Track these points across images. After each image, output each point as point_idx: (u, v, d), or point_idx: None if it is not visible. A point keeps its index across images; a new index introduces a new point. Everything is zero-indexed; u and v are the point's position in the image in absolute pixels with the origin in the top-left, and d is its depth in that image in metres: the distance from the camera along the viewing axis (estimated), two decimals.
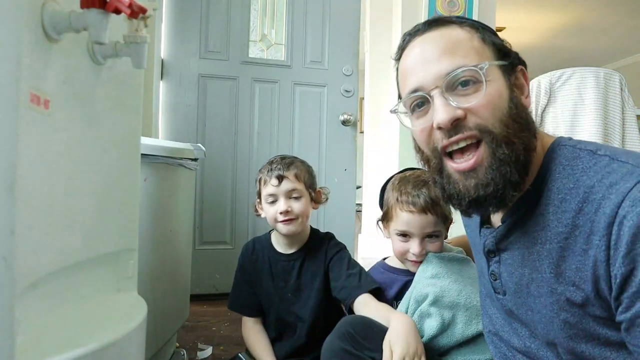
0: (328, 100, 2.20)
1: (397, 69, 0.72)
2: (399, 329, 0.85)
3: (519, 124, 0.61)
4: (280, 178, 1.12)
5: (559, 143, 0.64)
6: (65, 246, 0.59)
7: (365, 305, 1.00)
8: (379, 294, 1.07)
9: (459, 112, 0.61)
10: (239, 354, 1.19)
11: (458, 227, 0.96)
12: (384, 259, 1.15)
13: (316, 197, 1.20)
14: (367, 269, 1.15)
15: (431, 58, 0.63)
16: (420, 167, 0.75)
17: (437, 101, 0.62)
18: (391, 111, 0.72)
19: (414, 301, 0.97)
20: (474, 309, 0.91)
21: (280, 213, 1.11)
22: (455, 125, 0.61)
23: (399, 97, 0.71)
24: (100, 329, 0.60)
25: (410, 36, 0.69)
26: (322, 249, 1.19)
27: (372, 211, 2.61)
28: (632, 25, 4.48)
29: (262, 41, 2.19)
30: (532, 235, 0.63)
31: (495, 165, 0.60)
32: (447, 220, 1.01)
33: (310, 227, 1.24)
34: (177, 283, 1.31)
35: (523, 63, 0.68)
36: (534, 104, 1.93)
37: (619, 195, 0.52)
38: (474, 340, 0.92)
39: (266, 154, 2.01)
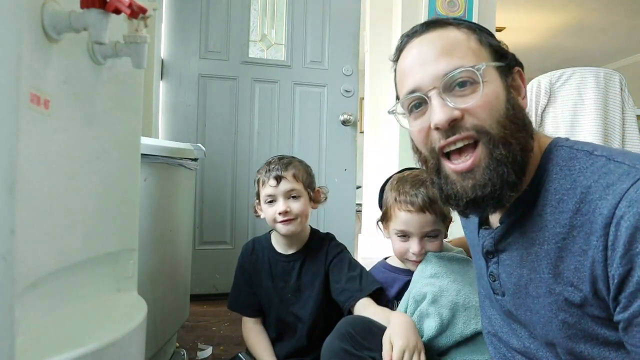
0: (328, 100, 2.20)
1: (395, 70, 0.72)
2: (399, 324, 0.85)
3: (515, 125, 0.62)
4: (278, 178, 1.12)
5: (556, 144, 0.64)
6: (65, 246, 0.59)
7: (365, 309, 1.01)
8: (379, 295, 1.07)
9: (456, 113, 0.61)
10: (239, 354, 1.19)
11: (459, 227, 0.96)
12: (385, 258, 1.15)
13: (315, 197, 1.20)
14: (367, 269, 1.15)
15: (429, 59, 0.64)
16: (419, 167, 0.75)
17: (435, 102, 0.62)
18: (389, 112, 0.73)
19: (413, 300, 0.97)
20: (473, 309, 0.91)
21: (279, 213, 1.11)
22: (453, 126, 0.61)
23: (397, 98, 0.71)
24: (100, 329, 0.60)
25: (407, 37, 0.69)
26: (322, 250, 1.19)
27: (372, 211, 2.61)
28: (632, 25, 4.48)
29: (262, 41, 2.19)
30: (530, 235, 0.63)
31: (493, 166, 0.60)
32: (446, 219, 1.01)
33: (310, 227, 1.24)
34: (177, 283, 1.31)
35: (520, 64, 0.68)
36: (534, 104, 1.93)
37: (616, 196, 0.52)
38: (473, 340, 0.92)
39: (266, 154, 2.01)
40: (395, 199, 1.00)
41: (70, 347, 0.52)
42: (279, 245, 1.21)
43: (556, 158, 0.62)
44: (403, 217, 0.99)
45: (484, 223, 0.74)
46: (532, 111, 1.93)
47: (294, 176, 1.13)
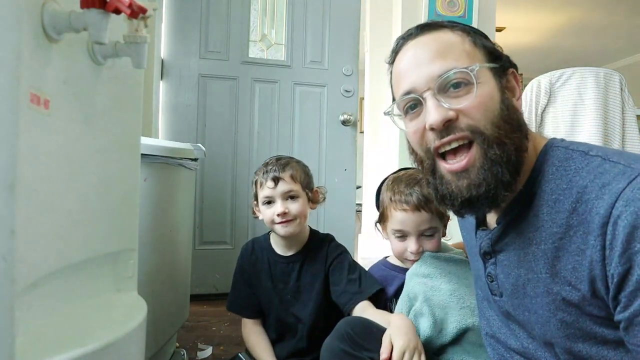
0: (328, 100, 2.20)
1: (391, 73, 0.73)
2: (399, 325, 0.85)
3: (510, 125, 0.62)
4: (276, 180, 1.11)
5: (551, 144, 0.65)
6: (65, 246, 0.59)
7: (363, 312, 1.01)
8: (379, 296, 1.07)
9: (451, 114, 0.62)
10: (239, 354, 1.19)
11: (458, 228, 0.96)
12: (386, 257, 1.16)
13: (313, 197, 1.19)
14: (367, 269, 1.15)
15: (423, 61, 0.65)
16: (416, 167, 0.76)
17: (429, 103, 0.63)
18: (385, 113, 0.74)
19: (407, 298, 0.97)
20: (468, 309, 0.91)
21: (278, 215, 1.11)
22: (447, 127, 0.62)
23: (393, 99, 0.72)
24: (100, 329, 0.60)
25: (403, 40, 0.70)
26: (322, 251, 1.19)
27: (372, 211, 2.60)
28: (632, 25, 4.48)
29: (262, 41, 2.19)
30: (527, 236, 0.64)
31: (487, 166, 0.61)
32: (443, 217, 1.02)
33: (310, 227, 1.23)
34: (177, 283, 1.31)
35: (514, 66, 0.69)
36: (534, 104, 1.93)
37: (612, 195, 0.52)
38: (469, 340, 0.92)
39: (266, 154, 2.01)
40: (391, 199, 1.01)
41: (70, 347, 0.52)
42: (278, 246, 1.21)
43: (552, 158, 0.63)
44: (399, 217, 0.99)
45: (481, 224, 0.75)
46: (532, 111, 1.93)
47: (292, 177, 1.13)
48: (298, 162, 1.19)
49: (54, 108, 0.53)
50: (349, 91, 2.22)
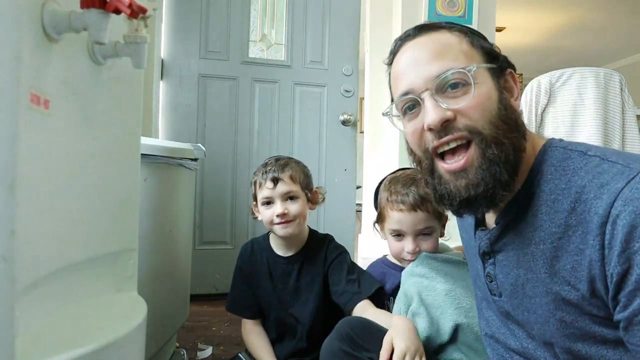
0: (328, 100, 2.20)
1: (390, 74, 0.73)
2: (401, 328, 0.85)
3: (508, 125, 0.63)
4: (275, 180, 1.11)
5: (550, 145, 0.65)
6: (65, 246, 0.59)
7: (364, 312, 1.01)
8: (379, 294, 1.07)
9: (449, 114, 0.62)
10: (239, 354, 1.19)
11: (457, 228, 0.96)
12: (385, 255, 1.16)
13: (313, 198, 1.19)
14: (367, 267, 1.15)
15: (421, 61, 0.65)
16: (414, 167, 0.76)
17: (428, 103, 0.63)
18: (383, 114, 0.74)
19: (404, 298, 0.98)
20: (462, 310, 0.91)
21: (277, 216, 1.11)
22: (445, 127, 0.62)
23: (392, 100, 0.72)
24: (100, 329, 0.60)
25: (401, 41, 0.71)
26: (321, 252, 1.18)
27: (372, 211, 2.60)
28: (632, 25, 4.48)
29: (262, 41, 2.19)
30: (526, 236, 0.64)
31: (485, 166, 0.61)
32: (441, 217, 1.02)
33: (309, 228, 1.23)
34: (177, 283, 1.31)
35: (512, 66, 0.70)
36: (534, 104, 1.93)
37: (611, 195, 0.52)
38: (465, 340, 0.92)
39: (266, 154, 2.01)
40: (388, 199, 1.02)
41: (70, 347, 0.52)
42: (277, 247, 1.21)
43: (550, 159, 0.63)
44: (396, 217, 1.00)
45: (480, 224, 0.75)
46: (532, 111, 1.93)
47: (291, 178, 1.13)
48: (297, 162, 1.19)
49: (54, 108, 0.53)
50: (349, 91, 2.22)
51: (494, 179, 0.61)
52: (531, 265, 0.63)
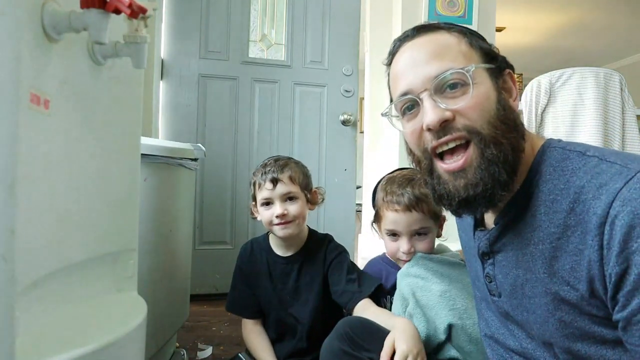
0: (328, 100, 2.20)
1: (389, 74, 0.74)
2: (404, 330, 0.85)
3: (506, 125, 0.63)
4: (274, 181, 1.10)
5: (548, 145, 0.65)
6: (65, 246, 0.59)
7: (365, 310, 1.01)
8: (379, 292, 1.07)
9: (448, 114, 0.62)
10: (239, 354, 1.19)
11: (455, 228, 0.96)
12: (385, 252, 1.16)
13: (312, 198, 1.19)
14: (366, 264, 1.16)
15: (420, 62, 0.66)
16: (412, 167, 0.76)
17: (426, 103, 0.63)
18: (382, 114, 0.74)
19: (401, 298, 0.98)
20: (456, 311, 0.91)
21: (277, 216, 1.10)
22: (444, 127, 0.63)
23: (391, 100, 0.72)
24: (100, 329, 0.60)
25: (400, 42, 0.71)
26: (321, 252, 1.18)
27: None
28: (632, 25, 4.48)
29: (262, 41, 2.19)
30: (525, 236, 0.64)
31: (484, 166, 0.61)
32: (438, 217, 1.03)
33: (308, 227, 1.23)
34: (177, 283, 1.31)
35: (511, 67, 0.70)
36: (534, 104, 1.93)
37: (610, 195, 0.53)
38: (460, 341, 0.91)
39: (266, 154, 2.01)
40: (383, 199, 1.03)
41: (70, 347, 0.52)
42: (277, 247, 1.21)
43: (549, 159, 0.63)
44: (391, 217, 1.01)
45: (479, 225, 0.75)
46: (532, 111, 1.93)
47: (291, 178, 1.12)
48: (297, 162, 1.19)
49: (54, 108, 0.53)
50: (349, 91, 2.22)
51: (492, 179, 0.61)
52: (530, 265, 0.63)
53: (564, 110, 1.89)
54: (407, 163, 0.84)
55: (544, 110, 1.94)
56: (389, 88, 0.74)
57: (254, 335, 1.20)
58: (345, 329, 0.86)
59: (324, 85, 2.20)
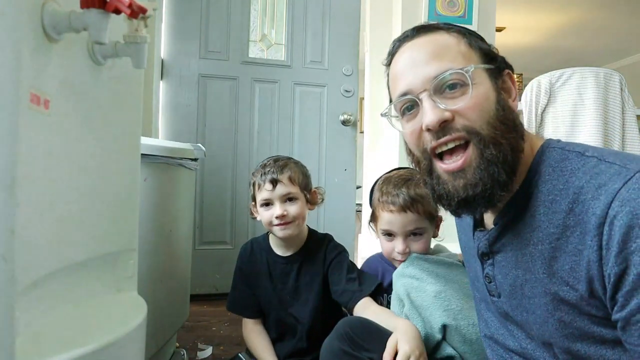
0: (328, 100, 2.21)
1: (388, 74, 0.74)
2: (406, 331, 0.85)
3: (506, 126, 0.63)
4: (274, 182, 1.10)
5: (548, 145, 0.65)
6: (65, 246, 0.59)
7: (366, 309, 1.01)
8: (378, 290, 1.07)
9: (447, 114, 0.62)
10: (239, 354, 1.19)
11: (454, 229, 0.96)
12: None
13: (312, 199, 1.19)
14: (364, 262, 1.16)
15: (420, 62, 0.66)
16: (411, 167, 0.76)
17: (426, 104, 0.63)
18: (382, 115, 0.75)
19: (398, 299, 0.98)
20: (451, 312, 0.91)
21: (276, 217, 1.10)
22: (444, 127, 0.63)
23: (390, 101, 0.72)
24: (100, 329, 0.60)
25: (399, 42, 0.71)
26: (320, 251, 1.18)
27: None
28: (632, 25, 4.48)
29: (262, 41, 2.19)
30: (524, 236, 0.64)
31: (483, 166, 0.61)
32: (433, 218, 1.02)
33: (308, 227, 1.23)
34: (177, 283, 1.31)
35: (510, 67, 0.70)
36: (534, 104, 1.93)
37: (608, 195, 0.53)
38: (454, 342, 0.91)
39: (266, 154, 2.01)
40: (379, 200, 1.03)
41: (70, 347, 0.52)
42: (277, 247, 1.21)
43: (548, 159, 0.63)
44: (386, 217, 1.01)
45: (478, 225, 0.75)
46: (532, 111, 1.93)
47: (290, 179, 1.12)
48: (296, 162, 1.19)
49: (54, 108, 0.53)
50: (349, 91, 2.22)
51: (492, 179, 0.61)
52: (530, 265, 0.63)
53: (564, 110, 1.89)
54: (407, 163, 0.84)
55: (544, 110, 1.94)
56: (389, 88, 0.74)
57: (255, 334, 1.20)
58: (345, 329, 0.86)
59: (324, 85, 2.20)
